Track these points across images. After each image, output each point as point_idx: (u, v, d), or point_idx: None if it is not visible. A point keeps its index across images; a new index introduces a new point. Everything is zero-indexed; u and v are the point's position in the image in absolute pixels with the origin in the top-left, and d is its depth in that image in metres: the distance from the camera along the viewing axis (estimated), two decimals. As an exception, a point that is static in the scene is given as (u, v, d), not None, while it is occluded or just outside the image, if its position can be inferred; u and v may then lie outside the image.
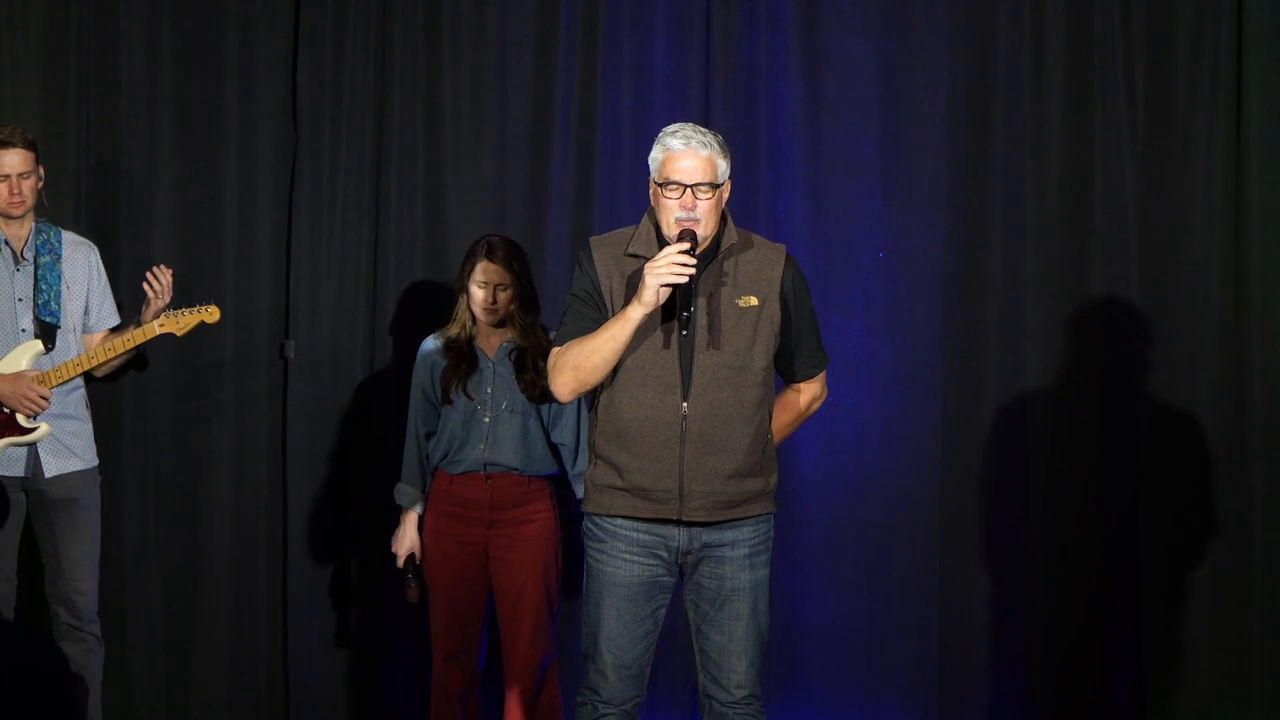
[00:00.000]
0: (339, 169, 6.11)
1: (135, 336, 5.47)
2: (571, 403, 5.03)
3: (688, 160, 4.41)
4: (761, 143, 6.10)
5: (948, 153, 6.09)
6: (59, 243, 5.53)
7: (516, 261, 5.44)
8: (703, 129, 4.46)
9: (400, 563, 5.53)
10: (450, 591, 5.45)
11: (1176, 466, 6.02)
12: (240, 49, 6.09)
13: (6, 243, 5.46)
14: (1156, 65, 6.06)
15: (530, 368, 5.40)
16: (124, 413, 6.03)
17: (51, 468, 5.47)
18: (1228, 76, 6.03)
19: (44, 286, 5.47)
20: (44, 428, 5.43)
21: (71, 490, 5.49)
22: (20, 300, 5.46)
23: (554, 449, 5.48)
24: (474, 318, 5.45)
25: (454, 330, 5.48)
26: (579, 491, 5.46)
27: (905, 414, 6.09)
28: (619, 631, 4.47)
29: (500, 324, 5.45)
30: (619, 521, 4.47)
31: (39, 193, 5.49)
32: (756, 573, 4.49)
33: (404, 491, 5.53)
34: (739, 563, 4.47)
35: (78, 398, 5.54)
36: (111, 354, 5.47)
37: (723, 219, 4.49)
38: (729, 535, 4.47)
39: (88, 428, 5.57)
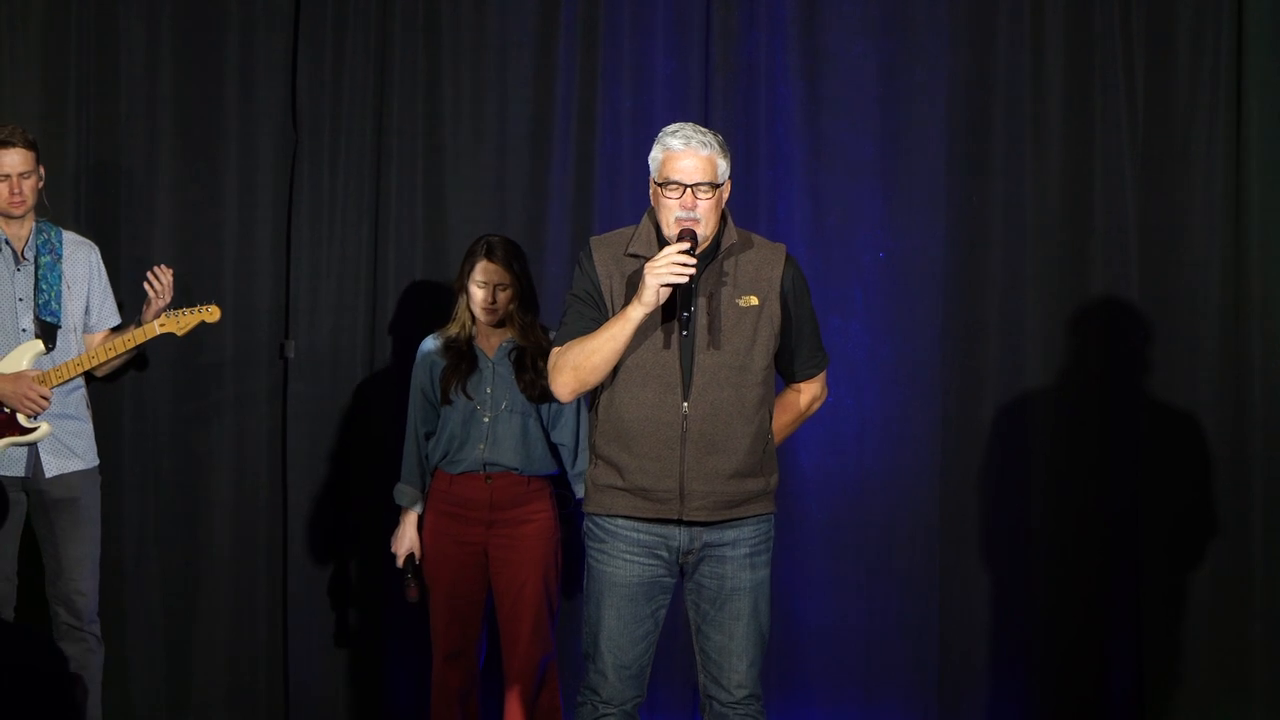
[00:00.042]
0: (339, 169, 6.11)
1: (136, 336, 5.47)
2: (571, 403, 5.03)
3: (688, 160, 4.41)
4: (761, 143, 6.09)
5: (948, 153, 6.09)
6: (60, 242, 5.53)
7: (516, 261, 5.44)
8: (703, 129, 4.46)
9: (400, 563, 5.53)
10: (450, 591, 5.45)
11: (1176, 466, 6.02)
12: (240, 49, 6.09)
13: (7, 242, 5.46)
14: (1156, 65, 6.06)
15: (530, 367, 5.40)
16: (124, 413, 6.03)
17: (52, 468, 5.47)
18: (1228, 76, 6.03)
19: (44, 286, 5.47)
20: (44, 428, 5.43)
21: (72, 490, 5.49)
22: (21, 300, 5.46)
23: (553, 449, 5.48)
24: (473, 318, 5.45)
25: (453, 330, 5.48)
26: (578, 491, 5.47)
27: (905, 414, 6.09)
28: (619, 632, 4.47)
29: (500, 324, 5.45)
30: (619, 522, 4.47)
31: (39, 192, 5.49)
32: (757, 572, 4.49)
33: (403, 491, 5.53)
34: (740, 562, 4.47)
35: (78, 398, 5.54)
36: (112, 354, 5.47)
37: (723, 219, 4.49)
38: (730, 535, 4.47)
39: (88, 428, 5.57)
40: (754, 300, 4.46)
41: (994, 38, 6.08)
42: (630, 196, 6.03)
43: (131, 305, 5.68)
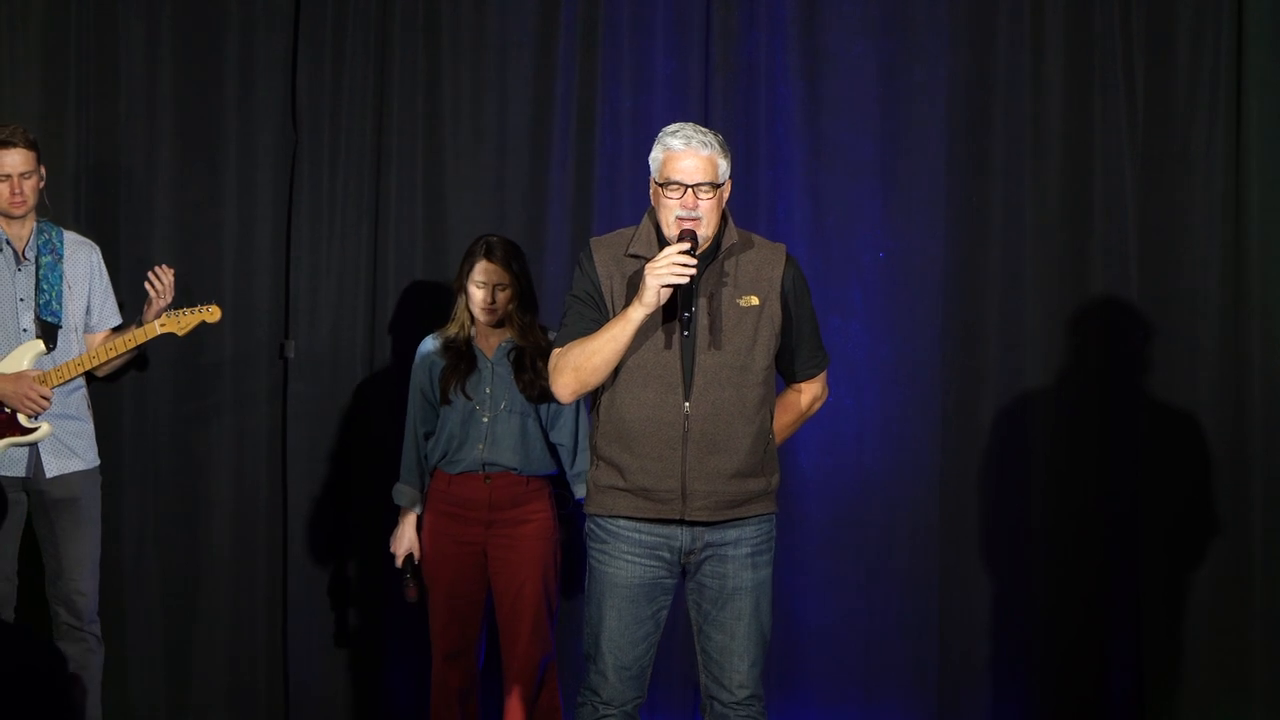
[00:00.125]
0: (339, 169, 6.11)
1: (136, 336, 5.47)
2: (570, 403, 5.03)
3: (688, 160, 4.41)
4: (761, 143, 6.09)
5: (948, 153, 6.09)
6: (60, 243, 5.53)
7: (515, 261, 5.44)
8: (703, 129, 4.46)
9: (399, 563, 5.53)
10: (449, 591, 5.45)
11: (1176, 466, 6.02)
12: (240, 49, 6.09)
13: (8, 242, 5.46)
14: (1156, 65, 6.06)
15: (529, 368, 5.40)
16: (124, 413, 6.03)
17: (53, 468, 5.47)
18: (1228, 76, 6.03)
19: (45, 286, 5.47)
20: (45, 428, 5.43)
21: (72, 490, 5.49)
22: (22, 300, 5.46)
23: (552, 449, 5.48)
24: (472, 318, 5.45)
25: (453, 330, 5.48)
26: (578, 491, 5.47)
27: (905, 414, 6.09)
28: (620, 632, 4.47)
29: (499, 324, 5.45)
30: (621, 522, 4.47)
31: (40, 193, 5.49)
32: (759, 572, 4.49)
33: (402, 492, 5.53)
34: (741, 562, 4.47)
35: (79, 398, 5.54)
36: (113, 354, 5.47)
37: (723, 219, 4.49)
38: (732, 534, 4.47)
39: (89, 428, 5.57)
40: (754, 300, 4.46)
41: (994, 38, 6.08)
42: (630, 196, 6.03)
43: (132, 305, 5.68)
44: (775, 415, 4.54)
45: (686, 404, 4.40)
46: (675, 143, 4.42)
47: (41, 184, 5.48)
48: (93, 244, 5.65)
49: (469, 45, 6.12)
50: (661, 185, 4.43)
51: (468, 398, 5.41)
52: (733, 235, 4.50)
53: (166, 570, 6.08)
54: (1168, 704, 6.00)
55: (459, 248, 5.75)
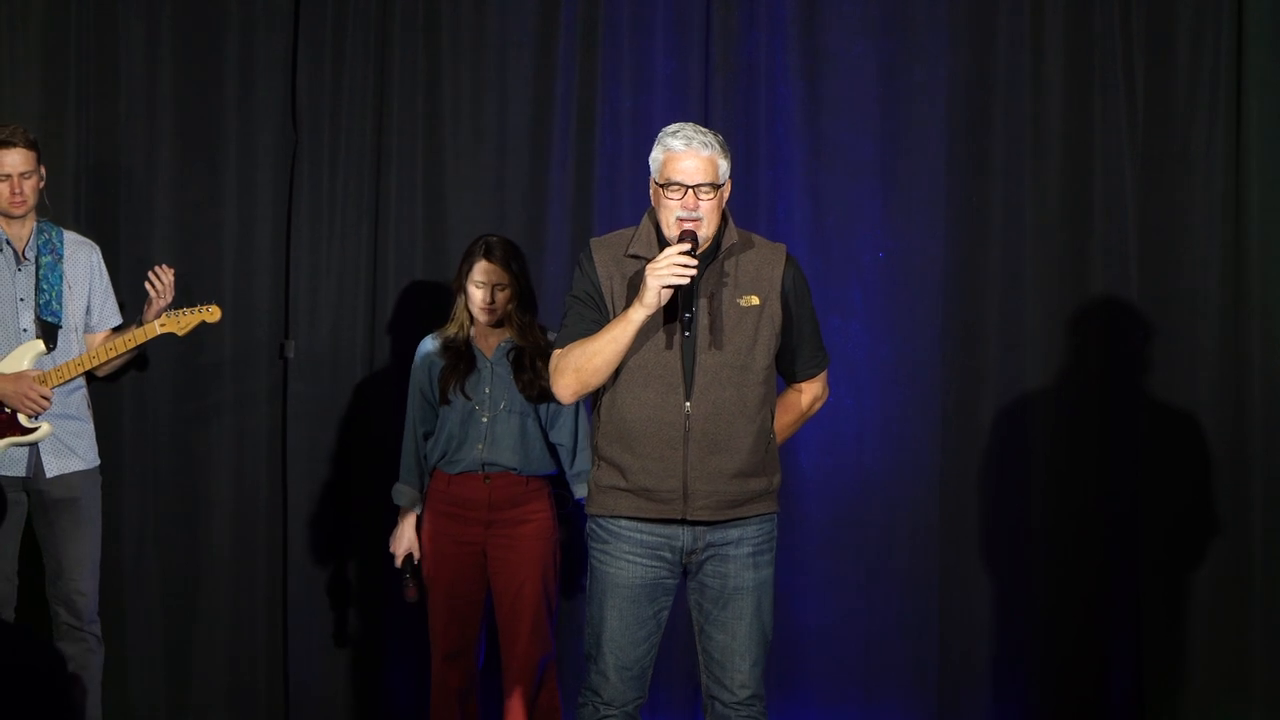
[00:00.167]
0: (339, 169, 6.11)
1: (136, 336, 5.47)
2: (570, 403, 5.02)
3: (689, 160, 4.40)
4: (761, 143, 6.09)
5: (948, 153, 6.09)
6: (61, 243, 5.53)
7: (514, 261, 5.44)
8: (703, 129, 4.46)
9: (398, 563, 5.53)
10: (449, 591, 5.45)
11: (1176, 466, 6.02)
12: (240, 49, 6.09)
13: (8, 242, 5.46)
14: (1156, 65, 6.06)
15: (528, 367, 5.40)
16: (124, 413, 6.03)
17: (53, 468, 5.47)
18: (1228, 76, 6.03)
19: (45, 286, 5.47)
20: (45, 428, 5.43)
21: (72, 490, 5.49)
22: (22, 300, 5.46)
23: (552, 449, 5.48)
24: (472, 318, 5.45)
25: (452, 330, 5.48)
26: (577, 491, 5.47)
27: (905, 414, 6.09)
28: (621, 633, 4.47)
29: (498, 324, 5.45)
30: (623, 523, 4.46)
31: (40, 193, 5.49)
32: (760, 572, 4.49)
33: (401, 492, 5.53)
34: (743, 561, 4.47)
35: (79, 398, 5.54)
36: (113, 354, 5.47)
37: (723, 219, 4.48)
38: (734, 534, 4.47)
39: (89, 427, 5.57)
40: (755, 300, 4.46)
41: (994, 37, 6.09)
42: (630, 196, 6.03)
43: (132, 305, 5.68)
44: (776, 415, 4.54)
45: (688, 404, 4.40)
46: (676, 143, 4.42)
47: (42, 184, 5.48)
48: (93, 244, 5.65)
49: (469, 45, 6.12)
50: (662, 186, 4.42)
51: (467, 398, 5.41)
52: (733, 235, 4.49)
53: (166, 570, 6.08)
54: (1168, 704, 6.01)
55: (459, 248, 5.75)
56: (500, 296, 5.41)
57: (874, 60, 6.11)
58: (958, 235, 6.09)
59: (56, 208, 5.71)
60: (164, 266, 5.53)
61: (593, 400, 4.54)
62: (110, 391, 5.94)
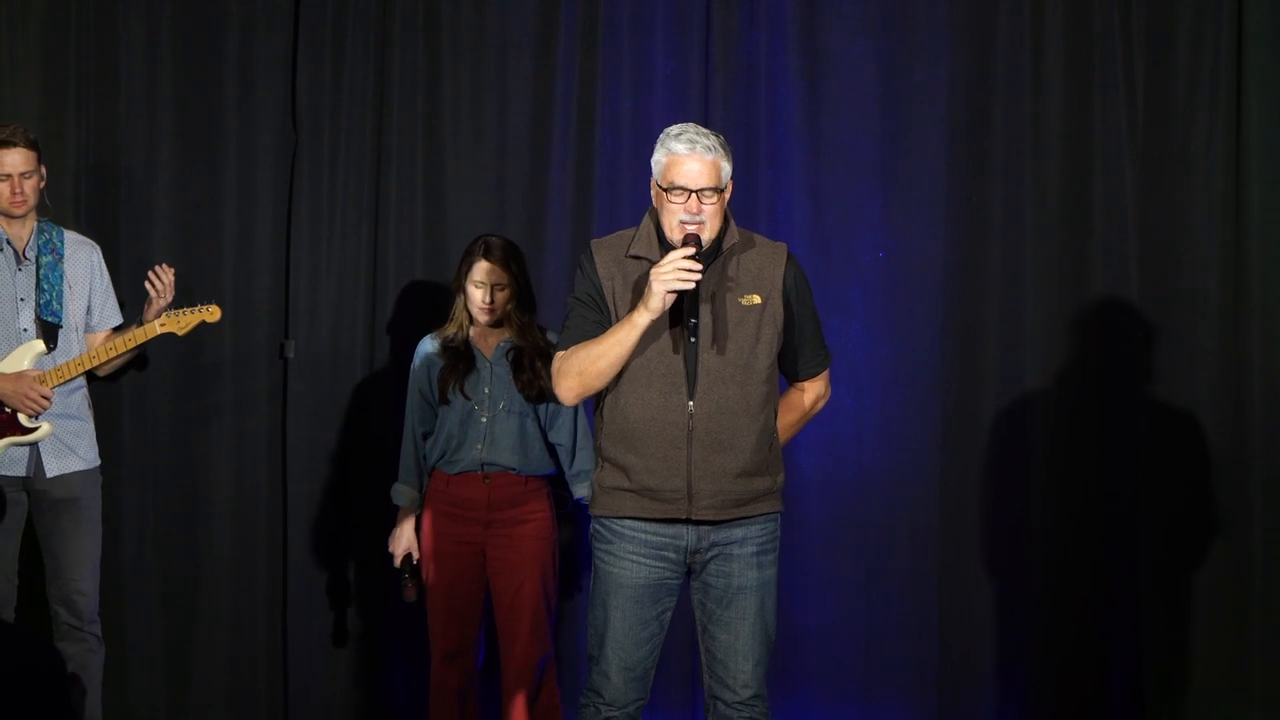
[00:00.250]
0: (339, 169, 6.11)
1: (136, 336, 5.47)
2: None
3: (692, 164, 4.40)
4: (761, 143, 6.09)
5: (948, 153, 6.09)
6: (61, 242, 5.53)
7: (514, 261, 5.44)
8: (705, 131, 4.45)
9: (397, 563, 5.53)
10: (448, 591, 5.45)
11: (1176, 466, 6.02)
12: (240, 49, 6.09)
13: (8, 242, 5.46)
14: (1156, 65, 6.06)
15: (527, 367, 5.40)
16: (124, 413, 6.03)
17: (53, 468, 5.47)
18: (1228, 76, 6.03)
19: (46, 286, 5.47)
20: (45, 427, 5.43)
21: (73, 490, 5.49)
22: (22, 300, 5.46)
23: (551, 449, 5.47)
24: (471, 318, 5.45)
25: (451, 330, 5.47)
26: (576, 491, 5.47)
27: (905, 414, 6.09)
28: (625, 633, 4.46)
29: (497, 324, 5.45)
30: (627, 523, 4.46)
31: (41, 192, 5.49)
32: (764, 571, 4.49)
33: (400, 491, 5.53)
34: (746, 560, 4.47)
35: (80, 397, 5.54)
36: (113, 353, 5.47)
37: (725, 219, 4.49)
38: (738, 533, 4.47)
39: (89, 427, 5.57)
40: (756, 299, 4.46)
41: (994, 37, 6.09)
42: (630, 196, 6.03)
43: (132, 305, 5.68)
44: (779, 414, 4.55)
45: (691, 403, 4.40)
46: (679, 147, 4.41)
47: (42, 184, 5.48)
48: (93, 244, 5.65)
49: (469, 45, 6.12)
50: (665, 190, 4.42)
51: (466, 398, 5.41)
52: (734, 235, 4.50)
53: (166, 570, 6.08)
54: (1168, 704, 6.01)
55: (459, 248, 5.75)
56: (499, 296, 5.41)
57: (874, 60, 6.11)
58: (958, 235, 6.09)
59: (56, 208, 5.71)
60: (164, 266, 5.53)
61: (595, 401, 4.54)
62: (110, 391, 5.94)
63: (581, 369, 4.41)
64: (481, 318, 5.43)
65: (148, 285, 5.49)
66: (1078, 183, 6.07)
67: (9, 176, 5.39)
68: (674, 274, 4.30)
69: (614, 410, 4.46)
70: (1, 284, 5.45)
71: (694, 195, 4.39)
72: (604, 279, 4.48)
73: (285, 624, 6.10)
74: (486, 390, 5.42)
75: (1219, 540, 6.00)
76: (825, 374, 4.67)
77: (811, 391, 4.67)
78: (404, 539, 5.52)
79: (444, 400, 5.42)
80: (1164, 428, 6.02)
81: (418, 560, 5.51)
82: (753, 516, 4.47)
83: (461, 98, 6.12)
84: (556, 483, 5.53)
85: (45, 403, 5.39)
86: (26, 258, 5.48)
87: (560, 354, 4.48)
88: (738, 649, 4.48)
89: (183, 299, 5.57)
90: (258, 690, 6.10)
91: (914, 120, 6.10)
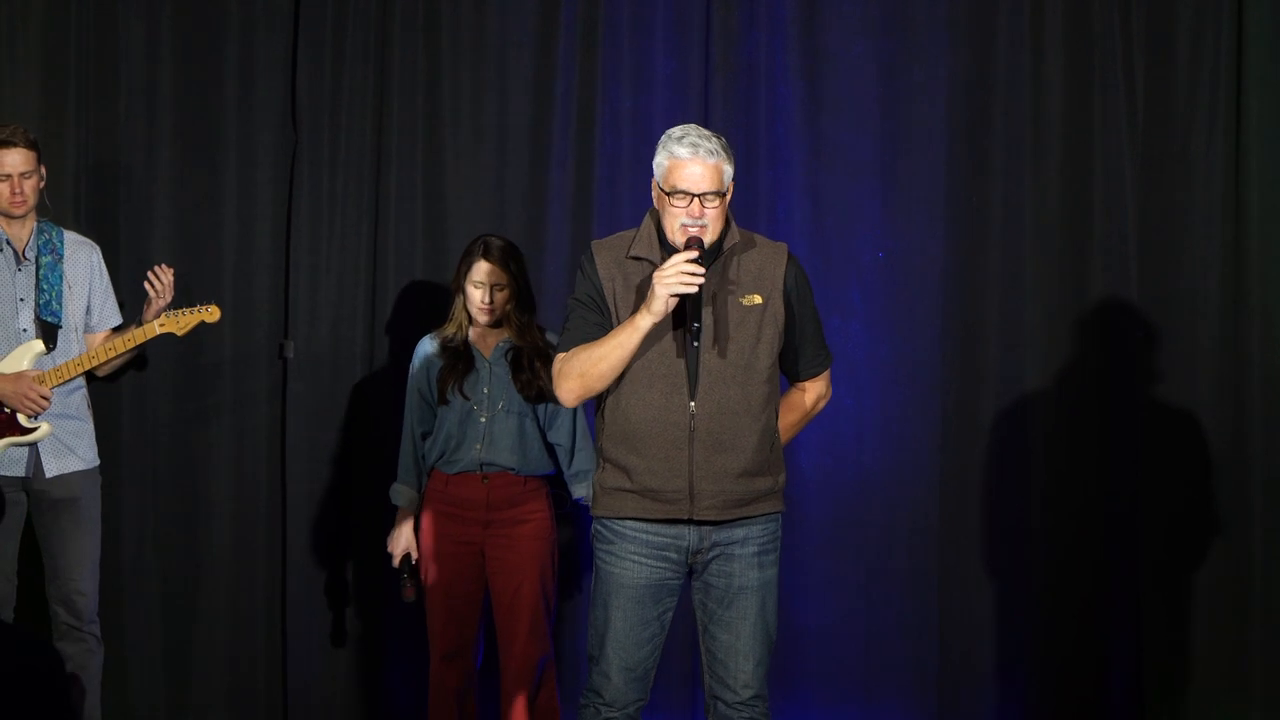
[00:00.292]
0: (339, 169, 6.11)
1: (136, 336, 5.47)
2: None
3: (695, 168, 4.39)
4: (761, 143, 6.09)
5: (948, 153, 6.09)
6: (61, 243, 5.53)
7: (513, 261, 5.43)
8: (707, 133, 4.43)
9: (396, 563, 5.53)
10: (447, 592, 5.45)
11: (1176, 466, 6.02)
12: (240, 49, 6.09)
13: (8, 242, 5.46)
14: (1156, 65, 6.06)
15: (526, 368, 5.40)
16: (124, 413, 6.03)
17: (52, 468, 5.47)
18: (1228, 76, 6.03)
19: (45, 286, 5.47)
20: (45, 428, 5.43)
21: (72, 490, 5.49)
22: (21, 300, 5.46)
23: (550, 449, 5.47)
24: (470, 318, 5.45)
25: (450, 330, 5.47)
26: (575, 491, 5.47)
27: (905, 414, 6.09)
28: (626, 633, 4.46)
29: (496, 324, 5.45)
30: (628, 523, 4.46)
31: (40, 192, 5.49)
32: (765, 571, 4.49)
33: (399, 491, 5.53)
34: (748, 560, 4.47)
35: (79, 398, 5.54)
36: (112, 354, 5.47)
37: (726, 220, 4.48)
38: (739, 533, 4.47)
39: (89, 427, 5.56)
40: (757, 299, 4.46)
41: (994, 38, 6.08)
42: (630, 196, 6.03)
43: (132, 305, 5.68)
44: (780, 414, 4.54)
45: (692, 404, 4.40)
46: (682, 150, 4.40)
47: (42, 184, 5.48)
48: (93, 244, 5.65)
49: (469, 45, 6.12)
50: (668, 194, 4.41)
51: (465, 398, 5.41)
52: (735, 235, 4.50)
53: (166, 570, 6.08)
54: (1168, 704, 6.00)
55: (458, 248, 5.75)
56: (499, 297, 5.41)
57: (874, 60, 6.10)
58: (958, 235, 6.09)
59: (56, 208, 5.71)
60: (163, 266, 5.53)
61: (596, 402, 4.53)
62: (110, 391, 5.94)
63: (582, 371, 4.41)
64: (481, 318, 5.43)
65: (147, 285, 5.49)
66: (1078, 183, 6.07)
67: (9, 177, 5.39)
68: (677, 278, 4.29)
69: (615, 411, 4.45)
70: (1, 284, 5.45)
71: (696, 199, 4.38)
72: (604, 280, 4.48)
73: (285, 624, 6.10)
74: (485, 390, 5.42)
75: (1219, 540, 6.00)
76: (826, 374, 4.67)
77: (812, 391, 4.67)
78: (403, 539, 5.52)
79: (443, 400, 5.42)
80: (1164, 428, 6.02)
81: (416, 560, 5.51)
82: (754, 517, 4.47)
83: (461, 98, 6.12)
84: (555, 483, 5.53)
85: (44, 403, 5.39)
86: (26, 258, 5.48)
87: (561, 356, 4.48)
88: (738, 649, 4.48)
89: (182, 299, 5.57)
90: (257, 690, 6.10)
91: (914, 120, 6.10)
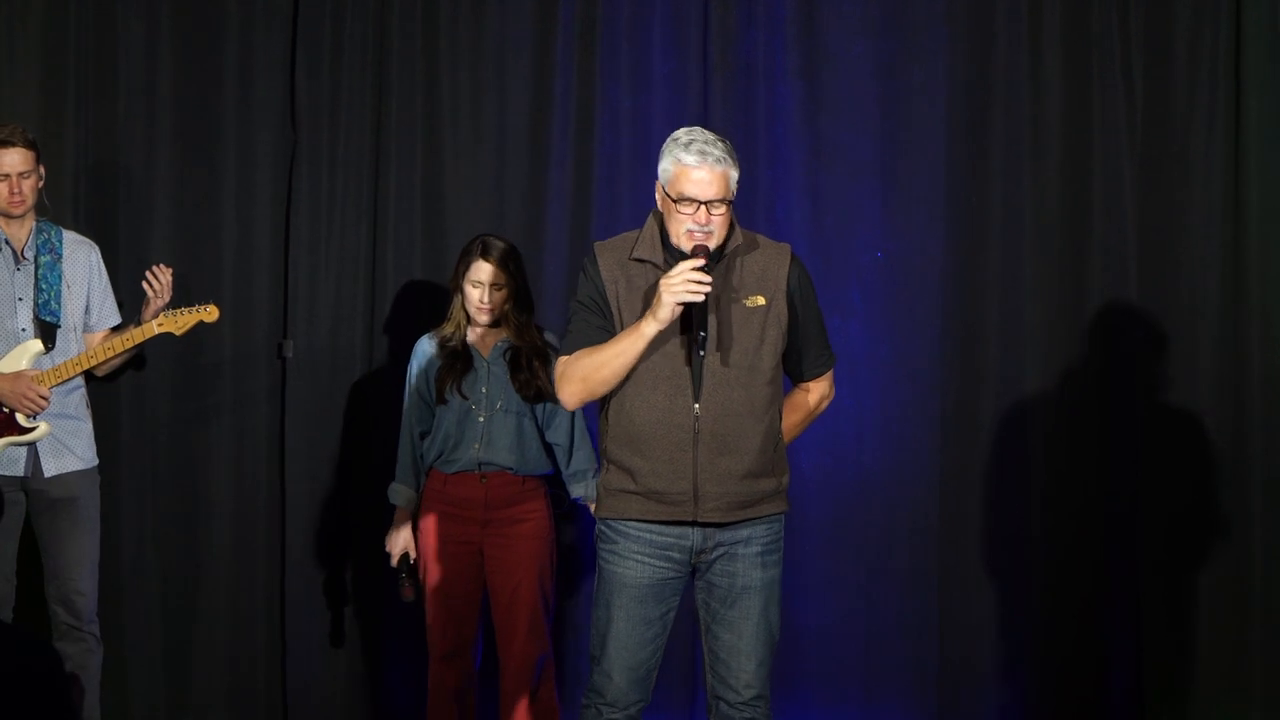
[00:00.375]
0: (337, 169, 6.11)
1: (134, 336, 5.47)
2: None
3: (702, 175, 4.36)
4: (761, 143, 6.09)
5: (947, 153, 6.09)
6: (60, 242, 5.53)
7: (511, 261, 5.43)
8: (714, 138, 4.40)
9: (394, 562, 5.53)
10: (445, 591, 5.45)
11: (1176, 466, 6.02)
12: (239, 49, 6.08)
13: (7, 242, 5.46)
14: (1155, 65, 6.06)
15: (525, 367, 5.39)
16: (123, 413, 6.03)
17: (51, 467, 5.46)
18: (1226, 77, 6.03)
19: (44, 286, 5.47)
20: (43, 427, 5.42)
21: (71, 490, 5.48)
22: (20, 300, 5.46)
23: (549, 449, 5.47)
24: (469, 317, 5.45)
25: (449, 330, 5.47)
26: (574, 491, 5.47)
27: (905, 414, 6.08)
28: (628, 633, 4.45)
29: (495, 324, 5.45)
30: (632, 524, 4.45)
31: (40, 192, 5.48)
32: (768, 571, 4.48)
33: (398, 491, 5.53)
34: (751, 560, 4.46)
35: (78, 397, 5.54)
36: (111, 353, 5.47)
37: (730, 224, 4.48)
38: (743, 533, 4.46)
39: (87, 427, 5.56)
40: (761, 300, 4.45)
41: (993, 38, 6.08)
42: (630, 196, 6.02)
43: (131, 305, 5.67)
44: (784, 415, 4.54)
45: (696, 405, 4.39)
46: (689, 158, 4.37)
47: (41, 184, 5.48)
48: (92, 244, 5.64)
49: (468, 45, 6.12)
50: (674, 200, 4.39)
51: (464, 397, 5.41)
52: (738, 237, 4.49)
53: (166, 570, 6.08)
54: (1168, 704, 6.00)
55: (457, 248, 5.74)
56: (497, 296, 5.41)
57: (873, 60, 6.10)
58: (957, 235, 6.09)
59: (56, 208, 5.71)
60: (162, 266, 5.53)
61: (599, 404, 4.53)
62: (109, 391, 5.93)
63: (585, 375, 4.40)
64: (479, 318, 5.43)
65: (145, 285, 5.49)
66: (1077, 183, 6.07)
67: (7, 176, 5.39)
68: (684, 286, 4.28)
69: (619, 413, 4.44)
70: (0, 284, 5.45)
71: (703, 206, 4.37)
72: (607, 282, 4.47)
73: (283, 624, 6.09)
74: (484, 390, 5.42)
75: (1219, 540, 6.00)
76: (830, 374, 4.66)
77: (816, 392, 4.66)
78: (401, 539, 5.52)
79: (441, 400, 5.42)
80: (1164, 428, 6.02)
81: (415, 560, 5.51)
82: (758, 518, 4.47)
83: (460, 98, 6.11)
84: (554, 482, 5.52)
85: (43, 402, 5.38)
86: (25, 257, 5.48)
87: (563, 359, 4.47)
88: (741, 649, 4.47)
89: (181, 299, 5.56)
90: (257, 690, 6.10)
91: (913, 120, 6.10)
